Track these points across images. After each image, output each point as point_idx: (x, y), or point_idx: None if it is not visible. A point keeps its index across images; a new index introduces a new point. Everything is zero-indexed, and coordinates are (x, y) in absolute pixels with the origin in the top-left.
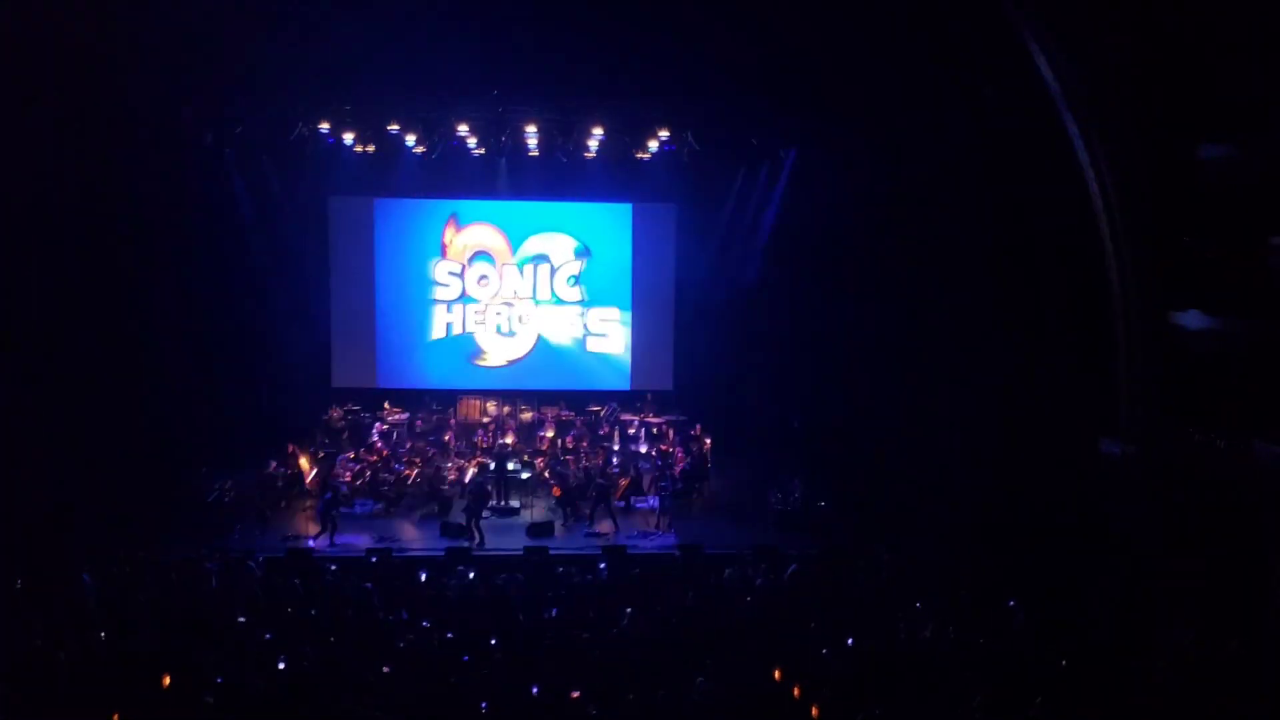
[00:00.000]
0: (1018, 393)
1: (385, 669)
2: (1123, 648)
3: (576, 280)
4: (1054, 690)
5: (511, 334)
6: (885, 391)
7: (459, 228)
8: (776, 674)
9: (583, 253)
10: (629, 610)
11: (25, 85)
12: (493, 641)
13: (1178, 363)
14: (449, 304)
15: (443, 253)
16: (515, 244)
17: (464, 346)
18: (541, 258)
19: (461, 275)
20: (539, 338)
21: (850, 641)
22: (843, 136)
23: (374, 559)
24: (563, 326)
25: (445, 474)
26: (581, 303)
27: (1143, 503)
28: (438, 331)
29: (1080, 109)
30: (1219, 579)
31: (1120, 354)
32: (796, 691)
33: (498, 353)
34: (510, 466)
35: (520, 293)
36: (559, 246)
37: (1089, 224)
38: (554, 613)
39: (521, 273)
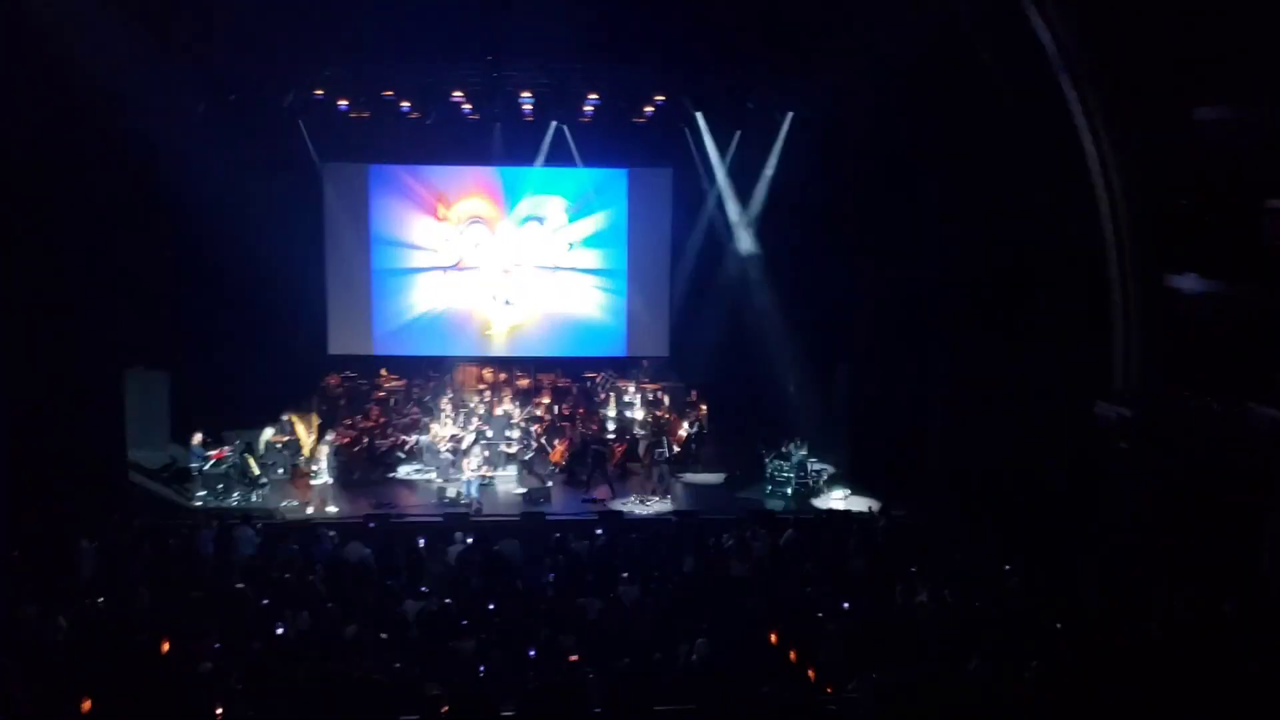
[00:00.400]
0: (1014, 356)
1: (383, 635)
2: (1117, 610)
3: (573, 246)
4: (1049, 653)
5: (508, 302)
6: (880, 356)
7: (453, 195)
8: (773, 638)
9: (576, 214)
10: (626, 575)
11: (22, 54)
12: (490, 606)
13: (1173, 326)
14: (445, 269)
15: (436, 218)
16: (510, 209)
17: (461, 315)
18: (537, 219)
19: (457, 241)
20: (535, 304)
21: (846, 605)
22: (838, 100)
23: (372, 524)
24: (559, 293)
25: (441, 440)
26: (577, 269)
27: (1138, 466)
28: (433, 301)
29: (1076, 71)
30: (1213, 541)
31: (1116, 317)
32: (793, 655)
33: (496, 320)
34: (507, 433)
35: (517, 259)
36: (554, 210)
37: (1085, 186)
38: (551, 578)
39: (517, 238)
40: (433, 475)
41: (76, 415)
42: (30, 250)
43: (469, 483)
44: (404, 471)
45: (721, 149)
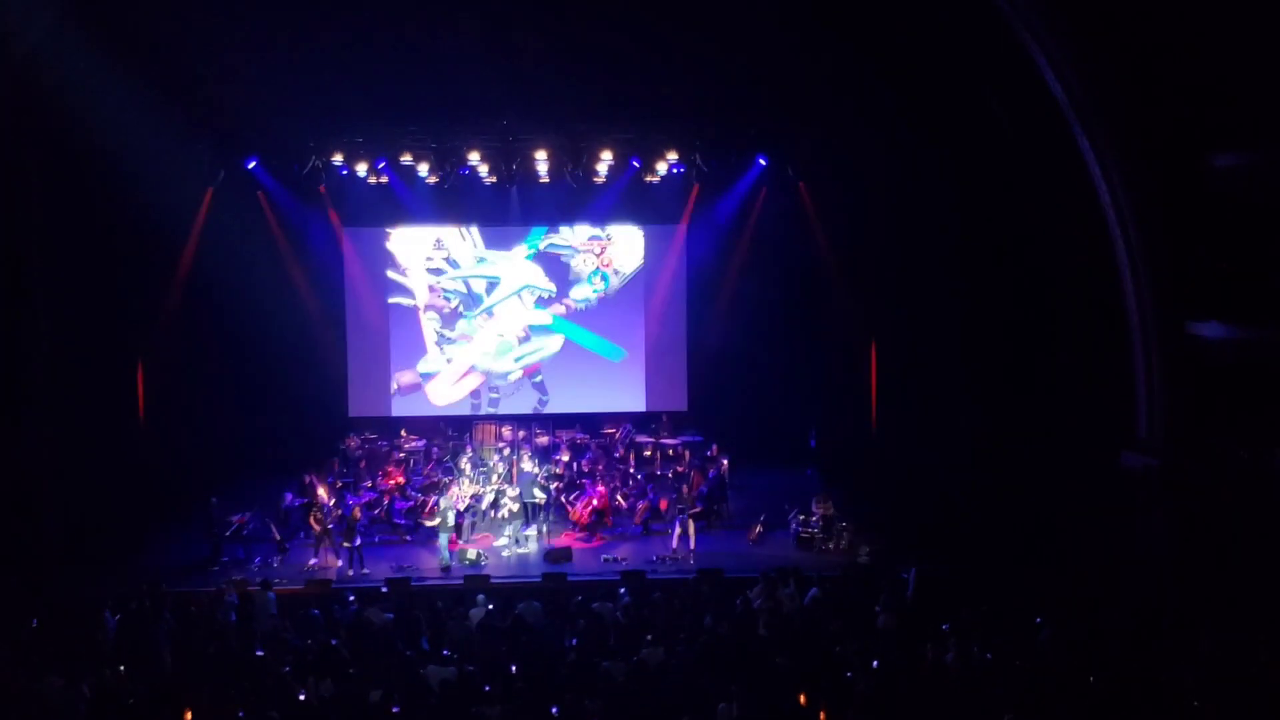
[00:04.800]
0: (1037, 407)
1: (405, 702)
2: (1149, 662)
3: (588, 303)
4: (1082, 706)
5: (522, 359)
6: (903, 408)
7: (472, 256)
8: (802, 699)
9: (592, 273)
10: (650, 637)
11: (48, 119)
12: (512, 670)
13: (1197, 374)
14: (465, 324)
15: (455, 278)
16: (527, 268)
17: (479, 373)
18: (554, 278)
19: (476, 301)
20: (553, 361)
21: (876, 664)
22: (852, 153)
23: (385, 589)
24: (576, 349)
25: (462, 500)
26: (594, 325)
27: (1165, 515)
28: (451, 361)
29: (1089, 119)
30: (1244, 589)
31: (1138, 366)
32: (823, 716)
33: (513, 378)
34: (530, 491)
35: (534, 317)
36: (570, 269)
37: (1102, 235)
38: (573, 641)
39: (534, 297)
40: (454, 535)
41: (95, 480)
42: (53, 314)
43: (487, 542)
44: (424, 532)
45: (734, 204)
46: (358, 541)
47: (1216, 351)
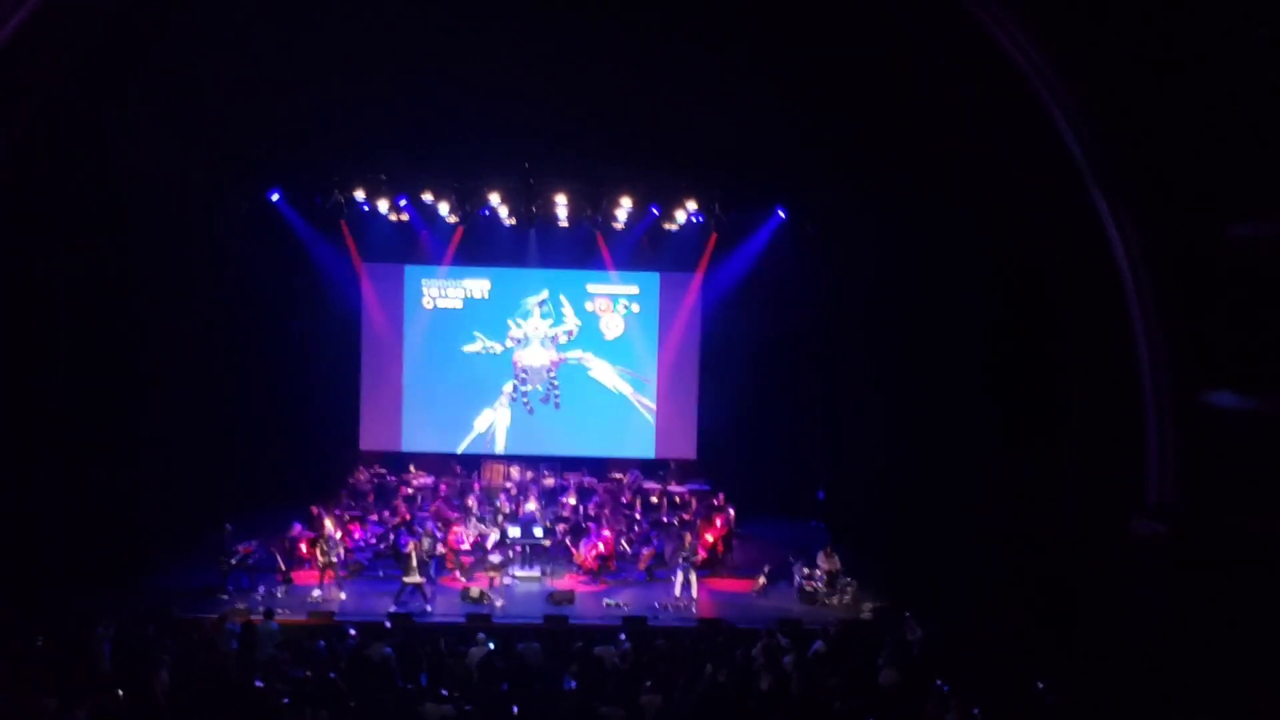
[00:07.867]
0: (1047, 469)
1: None
2: None
3: (602, 348)
4: None
5: (531, 407)
6: (911, 465)
7: (488, 297)
8: None
9: (607, 317)
10: (649, 683)
11: (68, 153)
12: (511, 710)
13: (1209, 443)
14: (476, 367)
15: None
16: (543, 312)
17: (491, 414)
18: (569, 322)
19: (489, 341)
20: (564, 404)
21: None
22: (868, 208)
23: (388, 624)
24: (588, 393)
25: (467, 539)
26: (606, 370)
27: (1173, 583)
28: (464, 401)
29: (1106, 181)
30: (1252, 661)
31: (1150, 432)
32: None
33: (524, 420)
34: (535, 532)
35: (547, 360)
36: (585, 313)
37: (1118, 298)
38: (572, 684)
39: (548, 341)
40: (456, 573)
41: (104, 505)
42: (67, 336)
43: (491, 581)
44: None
45: (751, 255)
46: (429, 571)
47: (1230, 421)
